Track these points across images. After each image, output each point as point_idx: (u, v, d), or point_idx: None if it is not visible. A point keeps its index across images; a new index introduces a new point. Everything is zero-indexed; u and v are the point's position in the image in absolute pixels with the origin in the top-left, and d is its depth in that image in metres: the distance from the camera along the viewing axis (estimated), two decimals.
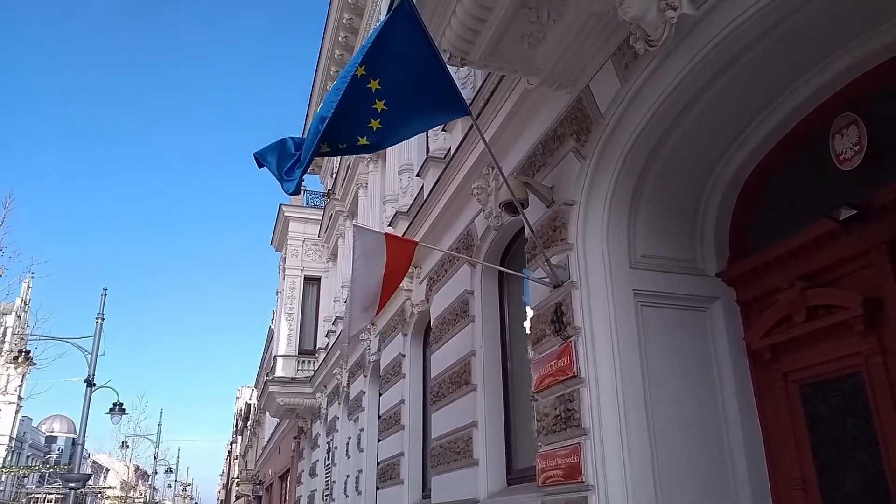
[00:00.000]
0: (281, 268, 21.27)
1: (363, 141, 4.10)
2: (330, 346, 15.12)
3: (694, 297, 4.64)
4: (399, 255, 5.20)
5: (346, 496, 12.37)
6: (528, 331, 5.30)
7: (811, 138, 4.22)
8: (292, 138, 4.19)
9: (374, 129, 4.05)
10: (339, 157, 15.65)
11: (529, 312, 5.29)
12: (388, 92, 3.95)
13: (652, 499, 4.04)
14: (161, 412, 39.90)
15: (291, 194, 4.31)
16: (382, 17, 4.14)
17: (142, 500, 53.21)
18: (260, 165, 4.22)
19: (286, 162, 4.14)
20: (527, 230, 4.92)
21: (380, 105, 3.97)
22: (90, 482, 44.88)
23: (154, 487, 50.93)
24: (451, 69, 4.34)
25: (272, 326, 30.76)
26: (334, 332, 15.26)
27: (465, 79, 7.47)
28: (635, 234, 4.63)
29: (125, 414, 23.48)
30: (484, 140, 4.83)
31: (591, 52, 4.47)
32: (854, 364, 3.83)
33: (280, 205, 20.45)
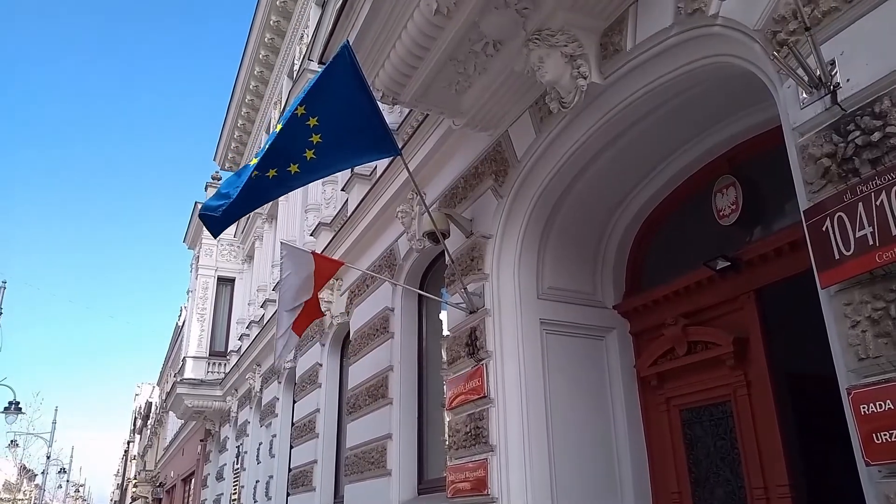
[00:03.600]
0: (193, 266, 20.78)
1: (294, 168, 4.27)
2: (243, 350, 15.01)
3: (593, 327, 5.16)
4: (324, 274, 5.44)
5: (255, 501, 12.35)
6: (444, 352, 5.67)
7: (698, 194, 4.81)
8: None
9: (308, 158, 4.25)
10: None
11: (446, 333, 5.67)
12: (325, 127, 4.14)
13: None
14: (56, 410, 37.73)
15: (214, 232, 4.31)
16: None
17: (26, 500, 50.31)
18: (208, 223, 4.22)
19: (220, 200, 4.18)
20: (447, 258, 5.30)
21: (315, 138, 4.16)
22: None
23: (42, 488, 48.14)
24: None
25: (179, 324, 29.86)
26: (248, 335, 15.17)
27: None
28: (543, 269, 5.10)
29: (21, 413, 22.14)
30: (409, 172, 5.14)
31: (511, 103, 4.90)
32: (724, 394, 4.42)
33: (196, 202, 20.06)
